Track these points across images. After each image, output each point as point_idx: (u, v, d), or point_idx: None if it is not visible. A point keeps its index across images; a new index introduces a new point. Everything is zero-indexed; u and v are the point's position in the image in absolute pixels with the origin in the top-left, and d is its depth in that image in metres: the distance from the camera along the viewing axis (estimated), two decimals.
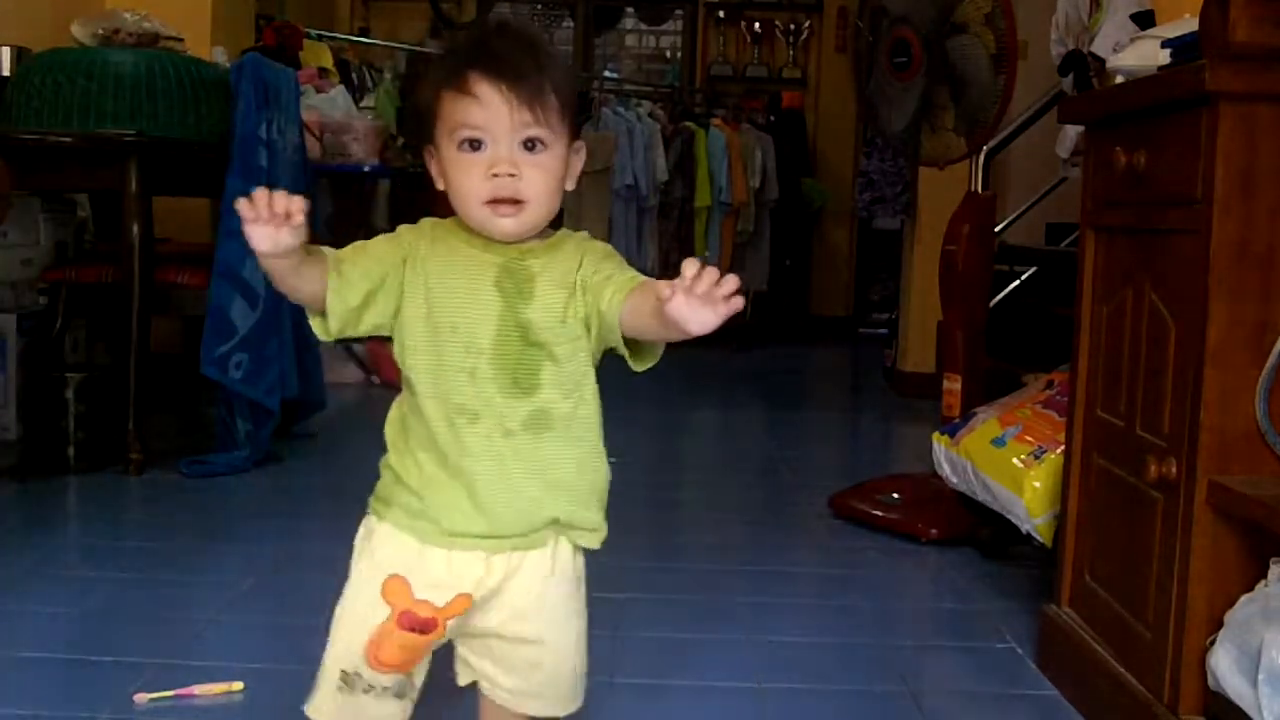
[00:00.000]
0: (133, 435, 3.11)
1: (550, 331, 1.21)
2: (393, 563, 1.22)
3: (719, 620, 2.17)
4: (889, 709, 1.84)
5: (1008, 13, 2.77)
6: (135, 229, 3.10)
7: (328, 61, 5.38)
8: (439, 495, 1.22)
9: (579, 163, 1.25)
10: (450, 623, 1.23)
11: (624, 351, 1.21)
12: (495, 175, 1.17)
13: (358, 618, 1.23)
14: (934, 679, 2.03)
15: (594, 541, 1.27)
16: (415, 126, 1.42)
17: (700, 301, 1.04)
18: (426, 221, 1.26)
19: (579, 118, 1.24)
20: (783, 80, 7.87)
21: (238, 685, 1.78)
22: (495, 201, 1.18)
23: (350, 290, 1.20)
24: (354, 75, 5.46)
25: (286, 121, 3.39)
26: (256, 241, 1.11)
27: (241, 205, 1.10)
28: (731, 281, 1.05)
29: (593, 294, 1.20)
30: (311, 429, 3.71)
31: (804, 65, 7.94)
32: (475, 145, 1.18)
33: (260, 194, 1.11)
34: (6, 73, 3.28)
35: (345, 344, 4.61)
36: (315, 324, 1.23)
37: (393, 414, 1.27)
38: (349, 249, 1.23)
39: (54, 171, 3.20)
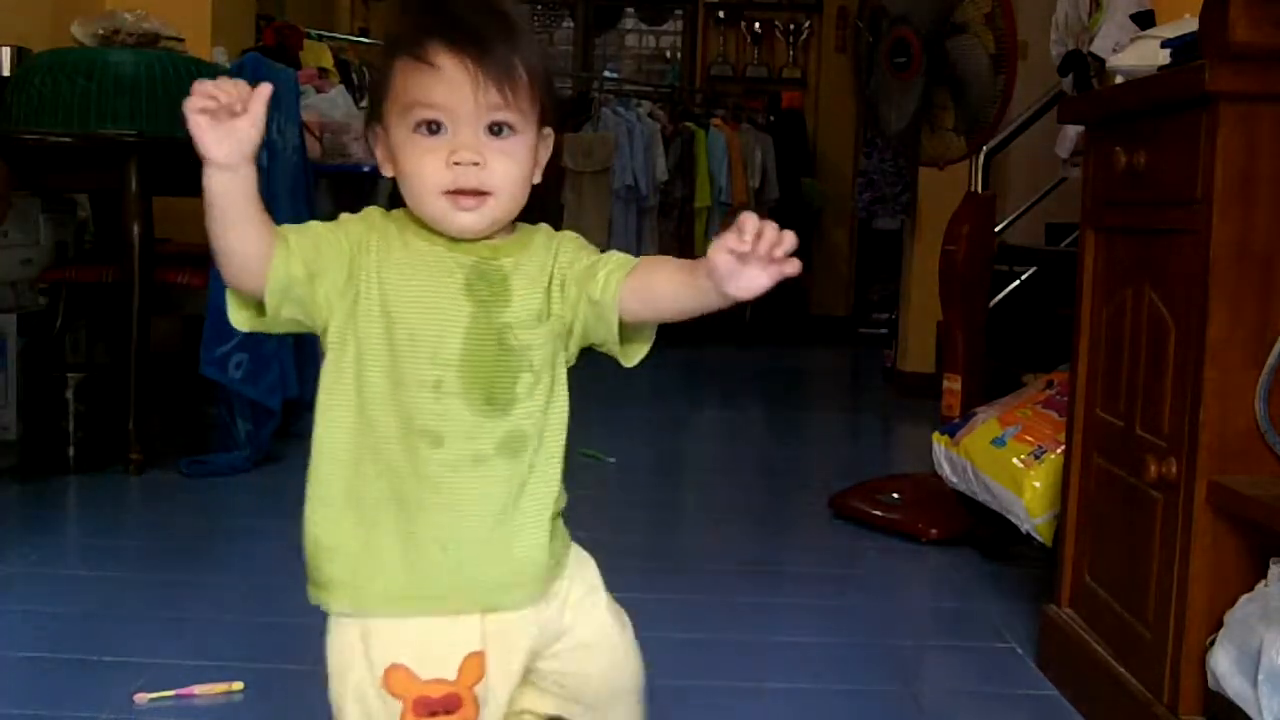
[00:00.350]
0: (133, 435, 3.11)
1: (529, 333, 1.07)
2: (384, 654, 1.04)
3: (719, 620, 2.17)
4: (889, 709, 1.84)
5: (1008, 13, 2.77)
6: (135, 229, 3.10)
7: (328, 61, 5.38)
8: (384, 552, 1.05)
9: (547, 152, 1.11)
10: (484, 693, 1.05)
11: (615, 347, 1.09)
12: (456, 163, 1.03)
13: None
14: (934, 679, 2.03)
15: (558, 572, 1.12)
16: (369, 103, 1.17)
17: (753, 261, 0.94)
18: (373, 211, 1.11)
19: (555, 104, 1.11)
20: (783, 80, 7.87)
21: (238, 685, 1.78)
22: (456, 193, 1.04)
23: (295, 262, 1.04)
24: (354, 75, 5.45)
25: (286, 121, 3.39)
26: (212, 145, 0.96)
27: (194, 98, 0.94)
28: (789, 238, 0.94)
29: (576, 285, 1.08)
30: (310, 428, 3.70)
31: (804, 65, 7.94)
32: (434, 128, 1.03)
33: (215, 82, 0.96)
34: (6, 73, 3.28)
35: None
36: (234, 303, 1.08)
37: (317, 455, 1.09)
38: (291, 227, 1.08)
39: (54, 171, 3.20)
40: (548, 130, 1.10)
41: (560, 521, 1.13)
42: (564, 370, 1.12)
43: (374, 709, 1.04)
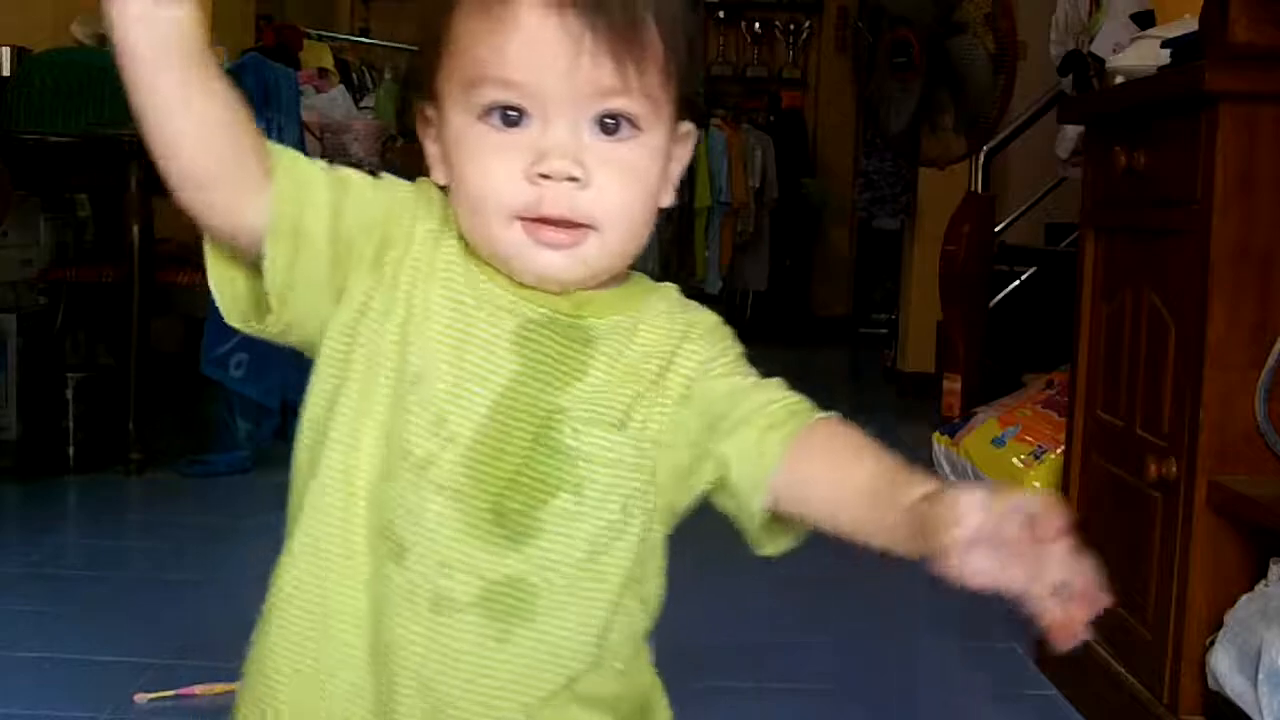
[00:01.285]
0: (133, 435, 3.10)
1: (594, 437, 0.72)
2: None
3: (719, 620, 2.17)
4: (889, 709, 1.84)
5: (1008, 13, 2.77)
6: (135, 229, 3.10)
7: (328, 61, 5.38)
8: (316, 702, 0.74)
9: (685, 158, 0.77)
10: None
11: (753, 523, 0.77)
12: (544, 176, 0.69)
13: None
14: (934, 679, 2.03)
15: None
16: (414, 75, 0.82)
17: (1021, 553, 0.60)
18: (430, 187, 0.75)
19: (699, 86, 0.81)
20: (783, 80, 7.87)
21: (238, 685, 1.78)
22: (539, 221, 0.70)
23: (318, 189, 0.70)
24: (354, 75, 5.46)
25: (286, 121, 3.39)
26: None
27: None
28: (1065, 518, 0.60)
29: (704, 416, 0.74)
30: None
31: (804, 65, 7.94)
32: (511, 117, 0.69)
33: None
34: (6, 73, 3.28)
35: None
36: (212, 251, 0.71)
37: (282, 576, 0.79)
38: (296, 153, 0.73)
39: (54, 171, 3.20)
40: (687, 126, 0.76)
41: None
42: (654, 532, 0.77)
43: None
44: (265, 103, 3.25)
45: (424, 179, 0.76)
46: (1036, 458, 2.29)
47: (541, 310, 0.72)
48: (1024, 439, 2.36)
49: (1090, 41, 2.43)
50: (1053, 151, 2.98)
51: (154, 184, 3.31)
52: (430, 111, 0.74)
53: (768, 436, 0.72)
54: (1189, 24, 1.68)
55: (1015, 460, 2.33)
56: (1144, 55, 1.80)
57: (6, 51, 3.31)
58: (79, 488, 3.02)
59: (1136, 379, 1.70)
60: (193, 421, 3.62)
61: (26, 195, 3.33)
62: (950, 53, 2.86)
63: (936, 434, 2.65)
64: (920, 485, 0.66)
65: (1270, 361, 1.47)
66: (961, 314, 2.93)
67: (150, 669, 1.83)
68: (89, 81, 3.15)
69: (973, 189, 2.97)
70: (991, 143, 2.96)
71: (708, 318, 0.78)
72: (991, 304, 3.33)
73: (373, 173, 0.76)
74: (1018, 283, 4.22)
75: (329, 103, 4.69)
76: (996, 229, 3.24)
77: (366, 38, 6.40)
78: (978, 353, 2.94)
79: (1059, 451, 2.14)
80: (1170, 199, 1.60)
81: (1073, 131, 2.66)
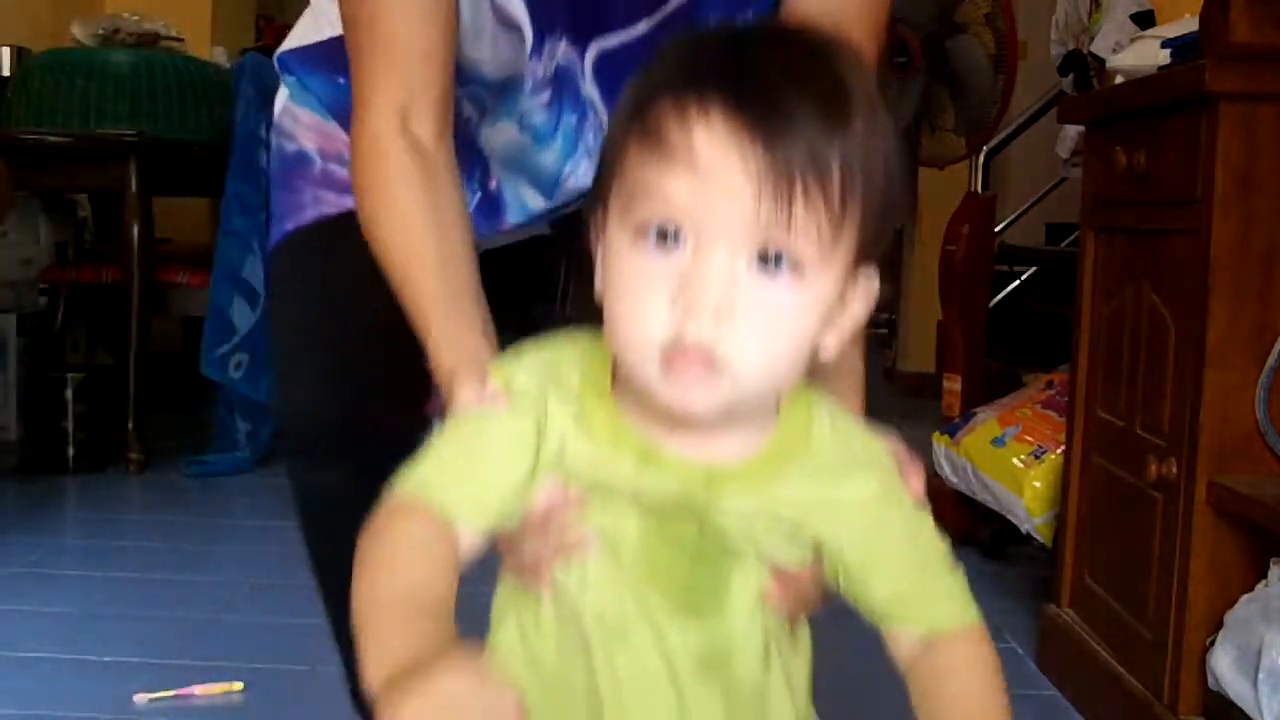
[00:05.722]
0: (133, 435, 3.11)
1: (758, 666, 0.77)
2: None
3: None
4: (889, 709, 1.84)
5: (1008, 13, 2.77)
6: (135, 229, 3.10)
7: None
8: None
9: (861, 309, 0.71)
10: None
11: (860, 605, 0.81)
12: (688, 307, 0.64)
13: None
14: None
15: None
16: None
17: None
18: (565, 355, 0.74)
19: (885, 232, 0.70)
20: None
21: (238, 685, 1.78)
22: (677, 355, 0.65)
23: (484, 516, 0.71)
24: None
25: None
26: None
27: None
28: None
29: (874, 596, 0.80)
30: None
31: None
32: (667, 237, 0.65)
33: None
34: (6, 73, 3.28)
35: None
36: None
37: None
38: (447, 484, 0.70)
39: (54, 171, 3.20)
40: (870, 270, 0.71)
41: None
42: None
43: None
44: (265, 103, 3.25)
45: (577, 342, 0.74)
46: (1036, 458, 2.28)
47: (668, 484, 0.71)
48: (1024, 439, 2.35)
49: (1090, 41, 2.43)
50: (1053, 151, 2.98)
51: (154, 184, 3.34)
52: (600, 220, 0.70)
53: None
54: (1189, 24, 1.68)
55: (1015, 460, 2.32)
56: (1144, 55, 1.80)
57: (6, 51, 3.31)
58: (79, 488, 3.02)
59: (1136, 379, 1.70)
60: (193, 421, 3.62)
61: (27, 195, 3.34)
62: (950, 53, 2.86)
63: (936, 434, 2.65)
64: None
65: (1270, 361, 1.47)
66: (961, 314, 2.93)
67: (150, 669, 1.83)
68: (89, 81, 3.15)
69: (973, 189, 2.97)
70: (991, 143, 2.95)
71: (899, 491, 0.76)
72: (991, 304, 3.33)
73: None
74: (1018, 283, 4.22)
75: None
76: (996, 229, 3.23)
77: None
78: (978, 353, 2.93)
79: (1059, 451, 2.14)
80: (1170, 199, 1.60)
81: (1073, 131, 2.66)
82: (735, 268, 0.64)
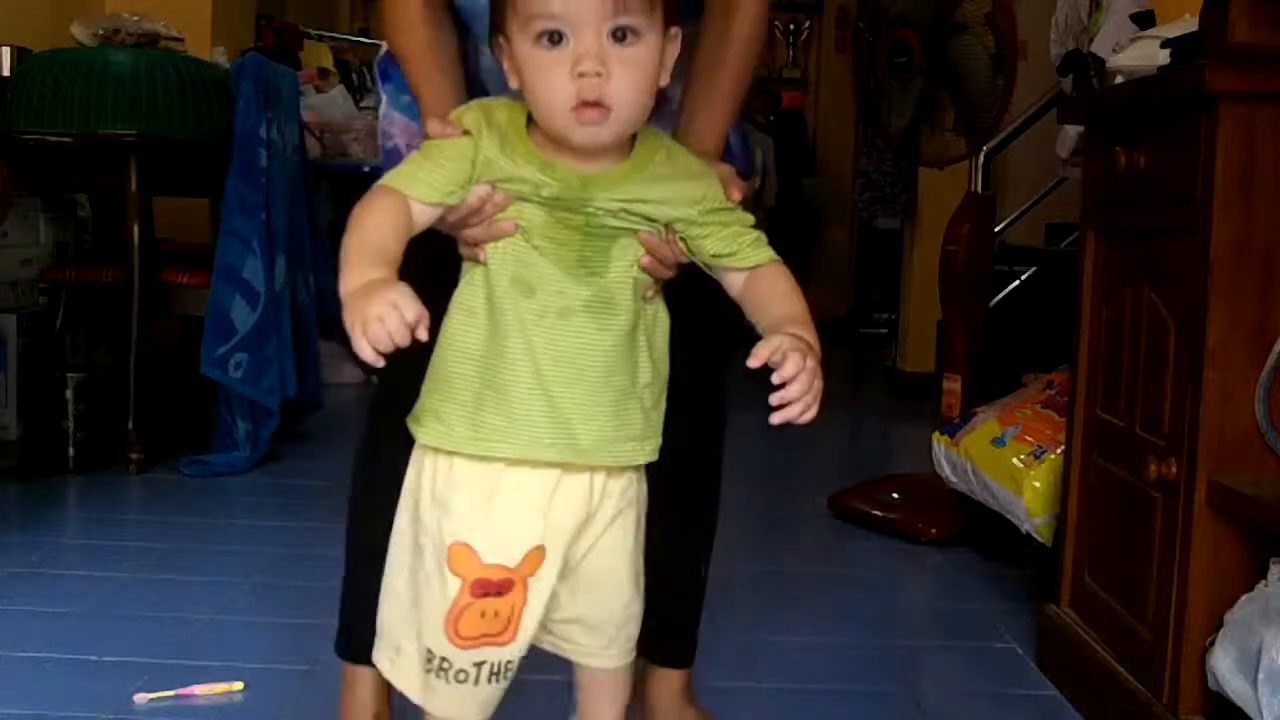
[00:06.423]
0: (133, 435, 3.11)
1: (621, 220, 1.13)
2: (456, 525, 1.11)
3: (718, 620, 2.17)
4: (889, 709, 1.84)
5: (1008, 12, 2.77)
6: (135, 229, 3.10)
7: (328, 61, 5.38)
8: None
9: (675, 52, 1.11)
10: (533, 583, 1.12)
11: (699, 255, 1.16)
12: (581, 74, 1.03)
13: (431, 594, 1.13)
14: (934, 679, 2.03)
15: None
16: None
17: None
18: (497, 107, 1.13)
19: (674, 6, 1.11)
20: (783, 80, 7.87)
21: (238, 685, 1.78)
22: (579, 107, 1.04)
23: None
24: (354, 75, 5.46)
25: (286, 121, 3.39)
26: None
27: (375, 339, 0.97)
28: (807, 400, 1.08)
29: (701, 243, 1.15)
30: (309, 428, 3.71)
31: (804, 65, 7.94)
32: (555, 39, 1.04)
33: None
34: (6, 73, 3.28)
35: (346, 344, 4.60)
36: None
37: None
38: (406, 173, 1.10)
39: (54, 171, 3.20)
40: (674, 30, 1.10)
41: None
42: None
43: (431, 567, 1.13)
44: (265, 103, 3.25)
45: (497, 101, 1.14)
46: (1036, 458, 2.28)
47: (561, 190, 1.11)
48: (1024, 439, 2.35)
49: (1090, 41, 2.42)
50: (1053, 151, 2.98)
51: (154, 184, 3.35)
52: (503, 41, 1.09)
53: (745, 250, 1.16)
54: (1189, 24, 1.68)
55: (1015, 460, 2.32)
56: (1144, 55, 1.80)
57: (6, 51, 3.31)
58: (79, 488, 3.02)
59: (1136, 379, 1.70)
60: (193, 421, 3.62)
61: (26, 195, 3.34)
62: (950, 53, 2.85)
63: (936, 434, 2.65)
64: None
65: (1270, 361, 1.47)
66: (961, 314, 2.92)
67: (150, 669, 1.83)
68: (89, 81, 3.15)
69: (973, 189, 2.96)
70: (991, 143, 2.95)
71: (711, 172, 1.17)
72: (991, 304, 3.33)
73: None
74: (1018, 283, 4.22)
75: (329, 103, 4.69)
76: (996, 229, 3.23)
77: (366, 38, 6.40)
78: (978, 353, 2.93)
79: (1059, 451, 2.14)
80: (1170, 199, 1.60)
81: (1073, 131, 2.65)
82: (602, 44, 1.03)
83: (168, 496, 2.95)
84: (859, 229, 7.51)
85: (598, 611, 1.19)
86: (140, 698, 1.72)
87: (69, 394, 3.17)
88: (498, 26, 1.09)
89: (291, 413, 3.51)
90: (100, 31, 3.31)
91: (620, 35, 1.04)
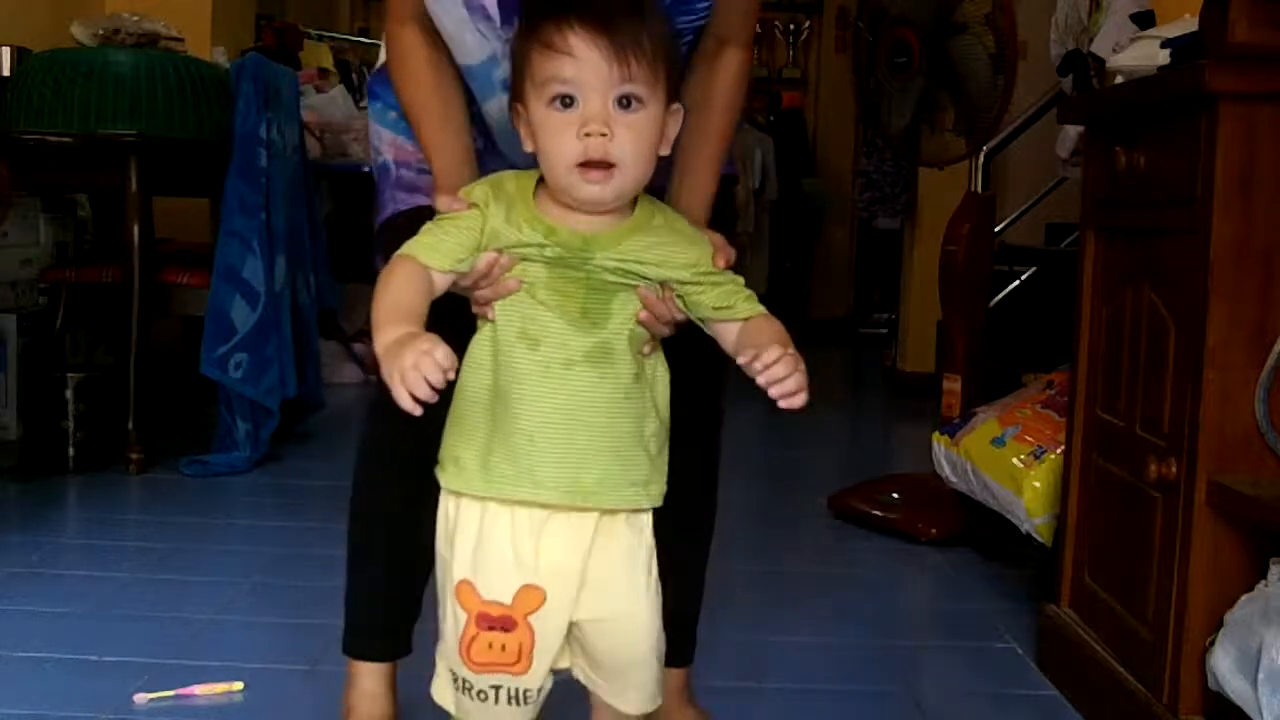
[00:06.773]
0: (133, 435, 3.11)
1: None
2: (458, 564, 1.19)
3: (718, 620, 2.17)
4: (889, 709, 1.84)
5: (1008, 12, 2.77)
6: (135, 229, 3.10)
7: (328, 61, 5.38)
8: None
9: (675, 126, 1.20)
10: (537, 620, 1.17)
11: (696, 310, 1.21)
12: (587, 135, 1.12)
13: (449, 620, 1.20)
14: (934, 679, 2.03)
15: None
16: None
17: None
18: (507, 179, 1.21)
19: (676, 77, 1.20)
20: (783, 80, 7.87)
21: (238, 685, 1.78)
22: (586, 165, 1.13)
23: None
24: (354, 75, 5.46)
25: (286, 121, 3.39)
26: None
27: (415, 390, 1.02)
28: (795, 387, 1.11)
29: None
30: (309, 428, 3.71)
31: (804, 65, 7.94)
32: (567, 102, 1.13)
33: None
34: (6, 73, 3.28)
35: (346, 344, 4.61)
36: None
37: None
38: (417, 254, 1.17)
39: (54, 171, 3.20)
40: (676, 106, 1.19)
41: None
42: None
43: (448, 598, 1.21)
44: (265, 103, 3.25)
45: (504, 175, 1.23)
46: (1036, 458, 2.28)
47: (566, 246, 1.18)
48: (1024, 439, 2.35)
49: (1090, 41, 2.42)
50: (1053, 151, 2.98)
51: (154, 184, 3.34)
52: (519, 107, 1.18)
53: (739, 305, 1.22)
54: (1189, 24, 1.68)
55: (1015, 460, 2.32)
56: (1144, 55, 1.80)
57: (6, 51, 3.31)
58: (79, 488, 3.02)
59: (1136, 379, 1.70)
60: (193, 421, 3.62)
61: (26, 195, 3.34)
62: (950, 53, 2.85)
63: (936, 434, 2.65)
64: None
65: (1270, 361, 1.47)
66: (961, 314, 2.92)
67: (150, 669, 1.83)
68: (89, 81, 3.15)
69: (973, 189, 2.96)
70: (991, 143, 2.95)
71: (707, 240, 1.24)
72: (991, 304, 3.32)
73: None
74: (1018, 283, 4.22)
75: (329, 103, 4.69)
76: (996, 229, 3.23)
77: (366, 38, 6.40)
78: (978, 353, 2.93)
79: (1059, 451, 2.14)
80: (1170, 199, 1.60)
81: (1073, 131, 2.65)
82: (608, 108, 1.12)
83: (168, 496, 2.95)
84: (859, 229, 7.51)
85: (613, 659, 1.23)
86: (140, 698, 1.72)
87: (69, 394, 3.17)
88: (517, 95, 1.18)
89: (291, 413, 3.51)
90: (100, 31, 3.30)
91: (625, 102, 1.13)
